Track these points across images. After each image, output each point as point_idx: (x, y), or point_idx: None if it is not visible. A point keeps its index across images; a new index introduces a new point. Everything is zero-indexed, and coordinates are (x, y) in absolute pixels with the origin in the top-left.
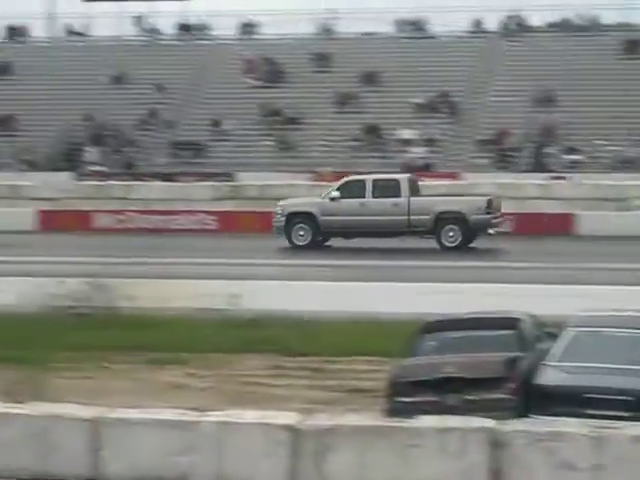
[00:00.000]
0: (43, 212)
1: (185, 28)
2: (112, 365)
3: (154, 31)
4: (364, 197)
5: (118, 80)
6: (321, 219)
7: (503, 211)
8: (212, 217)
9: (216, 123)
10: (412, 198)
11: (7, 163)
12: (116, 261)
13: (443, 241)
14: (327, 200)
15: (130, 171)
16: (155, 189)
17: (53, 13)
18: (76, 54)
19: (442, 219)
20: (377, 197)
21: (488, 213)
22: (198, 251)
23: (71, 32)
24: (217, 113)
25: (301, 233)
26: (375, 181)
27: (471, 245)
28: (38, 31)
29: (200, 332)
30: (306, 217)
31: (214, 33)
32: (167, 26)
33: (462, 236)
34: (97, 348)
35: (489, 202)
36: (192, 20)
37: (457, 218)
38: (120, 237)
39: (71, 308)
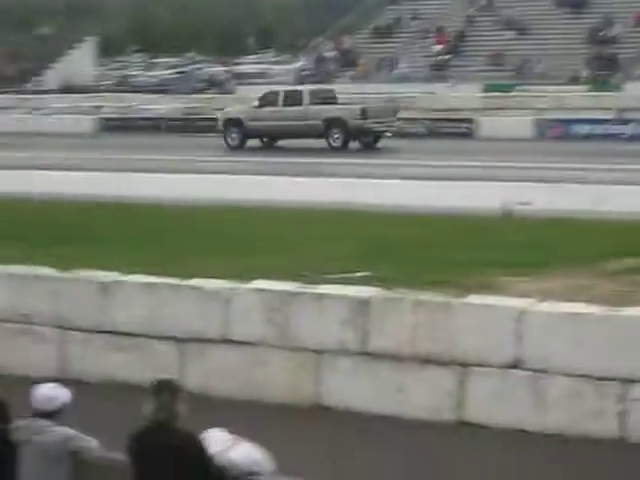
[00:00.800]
0: None
1: None
2: None
3: None
4: (277, 106)
5: None
6: (247, 124)
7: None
8: None
9: None
10: (309, 107)
11: None
12: None
13: (330, 142)
14: (252, 108)
15: None
16: None
17: None
18: None
19: (329, 124)
20: (286, 106)
21: (364, 119)
22: None
23: None
24: None
25: (233, 135)
26: (285, 92)
27: (377, 146)
28: None
29: None
30: (237, 122)
31: None
32: None
33: (344, 138)
34: None
35: (363, 110)
36: None
37: (340, 123)
38: None
39: None
